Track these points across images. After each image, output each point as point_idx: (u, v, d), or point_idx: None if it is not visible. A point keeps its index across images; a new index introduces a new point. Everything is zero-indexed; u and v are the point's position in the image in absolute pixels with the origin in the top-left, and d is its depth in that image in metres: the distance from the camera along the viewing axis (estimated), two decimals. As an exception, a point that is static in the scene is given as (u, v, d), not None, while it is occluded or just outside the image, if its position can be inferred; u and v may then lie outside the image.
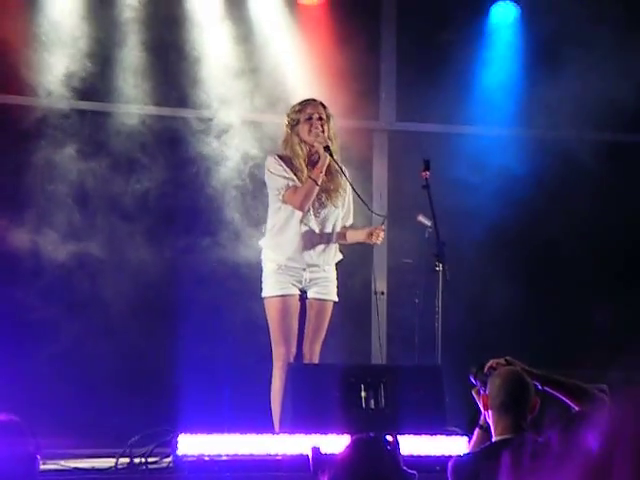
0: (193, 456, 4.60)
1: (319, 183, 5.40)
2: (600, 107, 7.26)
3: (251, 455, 4.65)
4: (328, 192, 5.49)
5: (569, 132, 7.44)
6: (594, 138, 7.46)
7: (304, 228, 5.45)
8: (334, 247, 5.58)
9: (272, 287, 5.45)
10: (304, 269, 5.47)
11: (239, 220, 6.54)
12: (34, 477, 3.07)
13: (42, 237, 6.38)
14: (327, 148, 5.39)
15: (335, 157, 5.44)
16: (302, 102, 5.62)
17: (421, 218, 5.74)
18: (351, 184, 5.56)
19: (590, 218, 7.25)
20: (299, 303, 5.48)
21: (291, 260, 5.44)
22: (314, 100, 5.62)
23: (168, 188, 6.74)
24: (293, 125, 5.51)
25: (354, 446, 2.99)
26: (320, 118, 5.48)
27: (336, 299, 5.57)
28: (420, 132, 7.37)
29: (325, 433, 4.65)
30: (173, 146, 6.82)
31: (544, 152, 7.41)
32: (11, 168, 6.48)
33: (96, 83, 6.71)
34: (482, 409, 3.55)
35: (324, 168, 5.41)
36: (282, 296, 5.42)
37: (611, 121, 7.35)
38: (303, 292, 5.50)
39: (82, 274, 6.46)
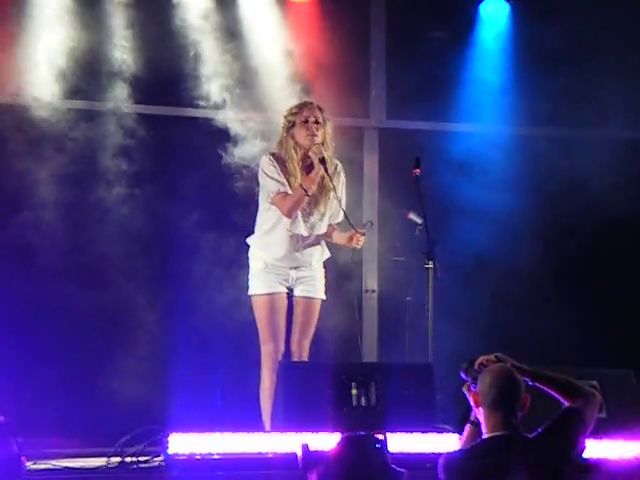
0: (184, 455, 4.59)
1: (309, 193, 5.41)
2: (590, 103, 7.28)
3: (242, 453, 4.64)
4: (317, 200, 5.50)
5: (558, 129, 7.45)
6: (585, 136, 7.47)
7: (293, 231, 5.47)
8: (321, 246, 5.59)
9: (259, 285, 5.46)
10: (291, 268, 5.49)
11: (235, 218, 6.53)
12: (20, 478, 3.06)
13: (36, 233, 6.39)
14: (322, 160, 5.39)
15: (328, 164, 5.42)
16: (299, 104, 5.62)
17: (412, 216, 5.75)
18: (340, 204, 5.54)
19: (576, 213, 7.25)
20: (286, 301, 5.49)
21: (278, 260, 5.45)
22: (311, 103, 5.63)
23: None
24: (289, 127, 5.51)
25: (343, 444, 2.99)
26: (316, 122, 5.47)
27: (324, 297, 5.58)
28: (410, 130, 7.37)
29: (316, 431, 4.64)
30: (171, 145, 6.81)
31: (534, 149, 7.42)
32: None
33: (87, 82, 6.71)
34: (473, 406, 3.56)
35: (317, 179, 5.42)
36: (269, 294, 5.44)
37: (605, 118, 7.37)
38: (290, 290, 5.52)
39: (71, 276, 6.45)
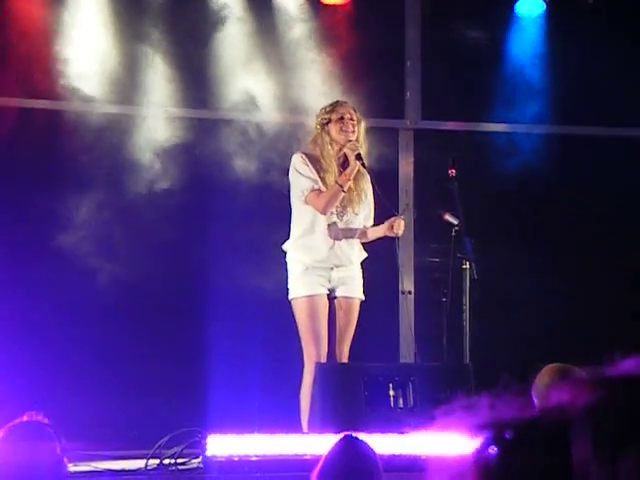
0: (222, 457, 4.61)
1: (345, 190, 5.39)
2: (629, 103, 7.23)
3: (280, 455, 4.65)
4: (351, 198, 5.48)
5: (596, 129, 7.41)
6: (622, 135, 7.42)
7: (330, 230, 5.45)
8: (358, 246, 5.58)
9: (300, 288, 5.44)
10: (332, 268, 5.47)
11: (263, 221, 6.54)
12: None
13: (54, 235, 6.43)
14: (359, 156, 5.38)
15: (365, 166, 5.43)
16: (333, 103, 5.63)
17: (448, 216, 5.73)
18: (380, 194, 5.54)
19: (619, 217, 7.19)
20: (327, 303, 5.47)
21: (318, 261, 5.44)
22: (345, 102, 5.64)
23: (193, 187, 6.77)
24: (324, 124, 5.51)
25: (339, 445, 3.02)
26: (351, 119, 5.48)
27: (363, 297, 5.56)
28: (446, 130, 7.35)
29: (353, 432, 4.64)
30: (191, 147, 6.83)
31: (571, 149, 7.38)
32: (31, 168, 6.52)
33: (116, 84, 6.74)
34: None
35: (352, 175, 5.41)
36: (310, 296, 5.41)
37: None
38: (330, 292, 5.50)
39: (106, 275, 6.48)
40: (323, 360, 5.34)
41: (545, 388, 3.56)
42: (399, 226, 5.43)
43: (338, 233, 5.46)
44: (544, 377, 3.63)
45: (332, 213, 5.44)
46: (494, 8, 7.39)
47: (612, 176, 7.22)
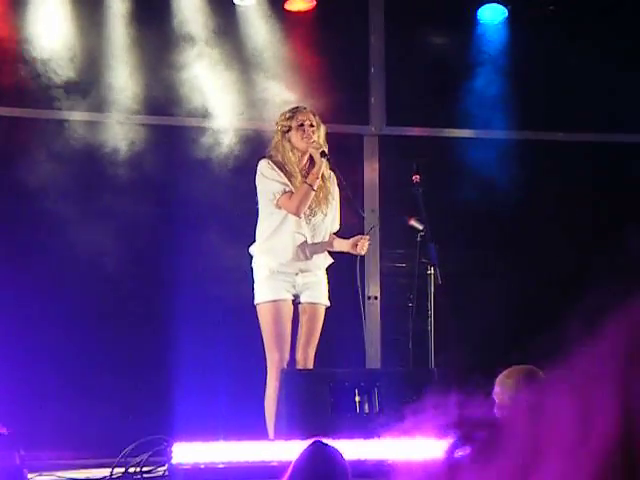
0: (188, 464, 4.58)
1: (315, 188, 5.40)
2: (594, 107, 7.29)
3: (247, 462, 4.63)
4: (318, 199, 5.48)
5: (560, 134, 7.47)
6: (586, 140, 7.48)
7: (296, 234, 5.44)
8: (325, 252, 5.58)
9: (265, 293, 5.43)
10: (297, 274, 5.46)
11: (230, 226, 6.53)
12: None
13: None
14: (324, 153, 5.40)
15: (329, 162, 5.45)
16: (292, 109, 5.63)
17: (413, 222, 5.74)
18: (348, 193, 5.57)
19: (586, 223, 7.23)
20: (292, 308, 5.47)
21: (284, 265, 5.43)
22: (304, 108, 5.64)
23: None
24: (284, 132, 5.51)
25: (308, 451, 3.01)
26: (311, 125, 5.49)
27: (328, 303, 5.56)
28: (410, 136, 7.38)
29: (321, 438, 4.63)
30: (169, 152, 6.83)
31: (535, 154, 7.43)
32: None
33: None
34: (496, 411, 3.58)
35: (320, 173, 5.42)
36: (275, 301, 5.40)
37: (606, 122, 7.38)
38: (295, 297, 5.50)
39: (69, 282, 6.45)
40: (285, 363, 5.34)
41: (510, 389, 3.58)
42: (362, 246, 5.46)
43: (306, 245, 5.46)
44: (508, 379, 3.65)
45: (300, 218, 5.43)
46: (457, 14, 7.43)
47: (575, 180, 7.28)
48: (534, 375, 3.55)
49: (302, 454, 3.05)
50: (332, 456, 3.09)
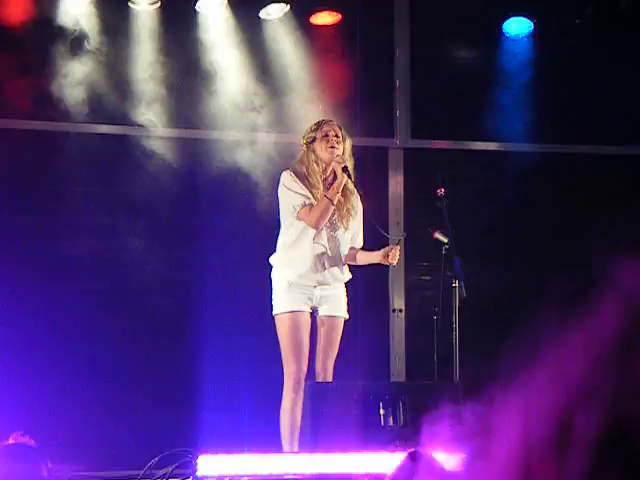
0: (213, 477, 4.59)
1: (335, 203, 5.40)
2: (616, 120, 7.27)
3: (271, 475, 4.63)
4: (340, 213, 5.49)
5: (586, 147, 7.44)
6: (614, 153, 7.45)
7: (316, 246, 5.45)
8: (344, 266, 5.58)
9: (283, 304, 5.43)
10: (315, 286, 5.46)
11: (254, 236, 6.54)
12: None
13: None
14: (345, 168, 5.40)
15: (351, 178, 5.45)
16: (318, 122, 5.65)
17: (438, 235, 5.74)
18: (366, 210, 5.57)
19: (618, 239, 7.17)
20: (310, 321, 5.47)
21: (302, 277, 5.43)
22: (330, 120, 5.66)
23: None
24: (309, 142, 5.53)
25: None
26: (336, 135, 5.50)
27: (347, 316, 5.55)
28: (435, 149, 7.38)
29: (344, 451, 4.64)
30: (186, 166, 6.86)
31: (561, 167, 7.41)
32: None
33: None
34: None
35: (340, 188, 5.42)
36: (293, 312, 5.40)
37: (632, 135, 7.35)
38: (314, 310, 5.50)
39: (93, 292, 6.49)
40: (303, 377, 5.33)
41: None
42: (394, 256, 5.44)
43: (325, 258, 5.46)
44: None
45: (321, 230, 5.44)
46: (482, 27, 7.42)
47: (605, 194, 7.22)
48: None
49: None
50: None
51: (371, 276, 6.05)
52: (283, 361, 5.39)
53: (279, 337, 5.42)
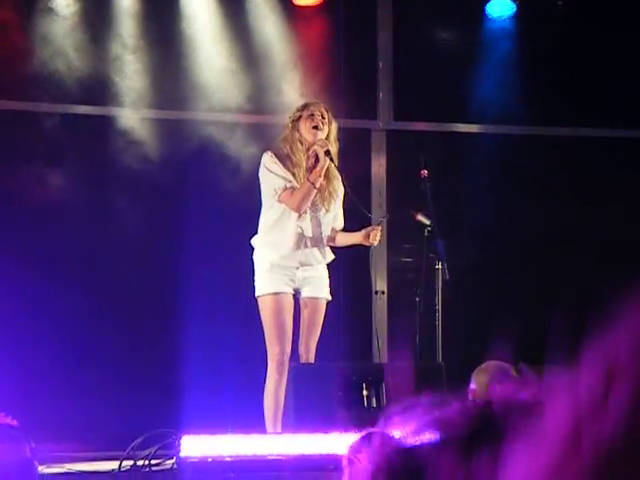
0: (196, 457, 4.60)
1: (317, 186, 5.40)
2: (598, 104, 7.29)
3: (254, 456, 4.65)
4: (322, 196, 5.48)
5: (567, 129, 7.46)
6: (594, 135, 7.48)
7: (298, 227, 5.44)
8: (326, 247, 5.57)
9: (266, 285, 5.43)
10: (297, 268, 5.46)
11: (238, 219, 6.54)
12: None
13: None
14: (328, 152, 5.39)
15: (334, 162, 5.44)
16: (305, 102, 5.65)
17: (420, 217, 5.75)
18: (350, 195, 5.56)
19: (599, 222, 7.19)
20: (293, 302, 5.47)
21: (284, 259, 5.42)
22: (317, 102, 5.65)
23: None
24: (294, 121, 5.51)
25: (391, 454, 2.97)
26: (322, 116, 5.49)
27: (329, 298, 5.56)
28: (418, 131, 7.39)
29: (327, 432, 4.66)
30: (171, 147, 6.84)
31: (543, 149, 7.43)
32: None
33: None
34: None
35: (323, 172, 5.41)
36: (276, 293, 5.40)
37: (612, 118, 7.38)
38: (296, 292, 5.50)
39: (77, 275, 6.48)
40: (286, 359, 5.34)
41: (484, 385, 3.62)
42: (375, 236, 5.44)
43: (307, 240, 5.46)
44: (480, 376, 3.69)
45: (304, 212, 5.43)
46: (465, 9, 7.43)
47: (584, 175, 7.26)
48: (506, 372, 3.58)
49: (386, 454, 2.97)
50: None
51: (353, 258, 6.06)
52: (267, 343, 5.39)
53: (262, 319, 5.42)
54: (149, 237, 6.64)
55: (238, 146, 6.79)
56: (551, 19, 7.34)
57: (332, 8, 7.19)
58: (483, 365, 3.68)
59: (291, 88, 6.90)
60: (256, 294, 5.47)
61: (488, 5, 7.43)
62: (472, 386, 3.67)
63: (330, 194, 5.51)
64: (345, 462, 2.95)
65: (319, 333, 5.51)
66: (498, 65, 7.44)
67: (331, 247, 5.61)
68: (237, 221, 6.42)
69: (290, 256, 5.42)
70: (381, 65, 7.39)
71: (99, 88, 6.76)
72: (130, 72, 6.79)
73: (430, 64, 7.29)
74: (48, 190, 6.56)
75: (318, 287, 5.50)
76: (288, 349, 5.37)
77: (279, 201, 5.42)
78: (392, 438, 2.92)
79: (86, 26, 6.74)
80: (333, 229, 5.59)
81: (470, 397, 3.61)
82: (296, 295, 5.48)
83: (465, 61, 7.42)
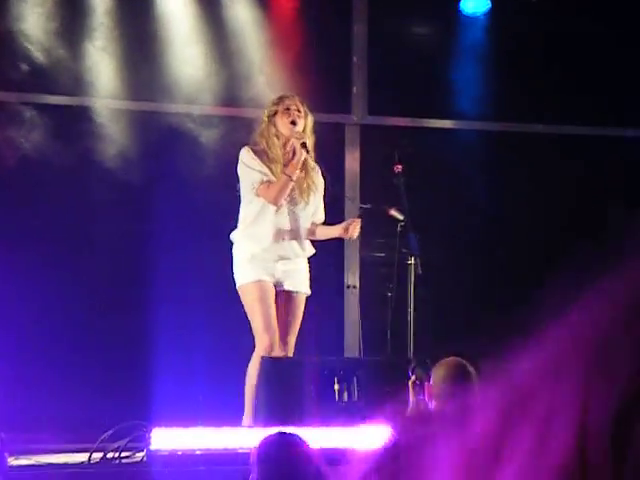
0: (166, 450, 4.60)
1: (294, 179, 5.40)
2: (572, 100, 7.33)
3: (224, 449, 4.65)
4: (300, 189, 5.49)
5: (539, 126, 7.50)
6: (568, 132, 7.51)
7: (277, 221, 5.45)
8: (305, 241, 5.58)
9: (248, 274, 5.39)
10: (276, 261, 5.45)
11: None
12: (3, 474, 3.05)
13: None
14: (304, 145, 5.40)
15: (311, 154, 5.45)
16: (280, 96, 5.65)
17: (393, 212, 5.76)
18: (328, 185, 5.57)
19: (568, 216, 7.24)
20: (274, 292, 5.45)
21: (264, 251, 5.42)
22: (293, 95, 5.65)
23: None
24: (270, 116, 5.51)
25: (268, 444, 2.99)
26: (298, 110, 5.49)
27: (309, 292, 5.57)
28: (392, 126, 7.40)
29: (299, 426, 4.66)
30: (145, 138, 6.82)
31: (516, 146, 7.46)
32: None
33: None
34: (427, 399, 3.67)
35: (299, 164, 5.42)
36: (260, 281, 5.36)
37: (590, 115, 7.41)
38: (276, 285, 5.49)
39: (45, 264, 6.44)
40: (275, 346, 5.30)
41: (439, 381, 3.66)
42: (355, 229, 5.45)
43: (286, 233, 5.45)
44: (438, 371, 3.72)
45: (282, 206, 5.43)
46: (440, 5, 7.44)
47: (554, 172, 7.30)
48: (462, 369, 3.62)
49: (265, 443, 3.03)
50: (296, 443, 3.07)
51: (325, 252, 6.05)
52: (255, 333, 5.32)
53: (246, 308, 5.37)
54: (120, 228, 6.61)
55: (212, 138, 6.78)
56: (525, 15, 7.36)
57: (306, 2, 7.19)
58: (442, 361, 3.71)
59: (265, 81, 6.89)
60: (238, 284, 5.43)
61: (463, 1, 7.44)
62: (432, 381, 3.71)
63: (308, 187, 5.51)
64: (253, 458, 2.96)
65: (298, 327, 5.50)
66: (472, 61, 7.46)
67: (311, 240, 5.61)
68: (209, 213, 6.42)
69: (270, 249, 5.42)
70: (355, 60, 7.39)
71: (71, 78, 6.71)
72: (103, 62, 6.75)
73: (405, 59, 7.30)
74: (21, 177, 6.51)
75: (298, 281, 5.50)
76: (276, 336, 5.32)
77: (257, 195, 5.42)
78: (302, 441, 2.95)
79: (59, 15, 6.69)
80: (313, 222, 5.59)
81: (426, 392, 3.66)
82: (276, 288, 5.46)
83: (440, 57, 7.43)
